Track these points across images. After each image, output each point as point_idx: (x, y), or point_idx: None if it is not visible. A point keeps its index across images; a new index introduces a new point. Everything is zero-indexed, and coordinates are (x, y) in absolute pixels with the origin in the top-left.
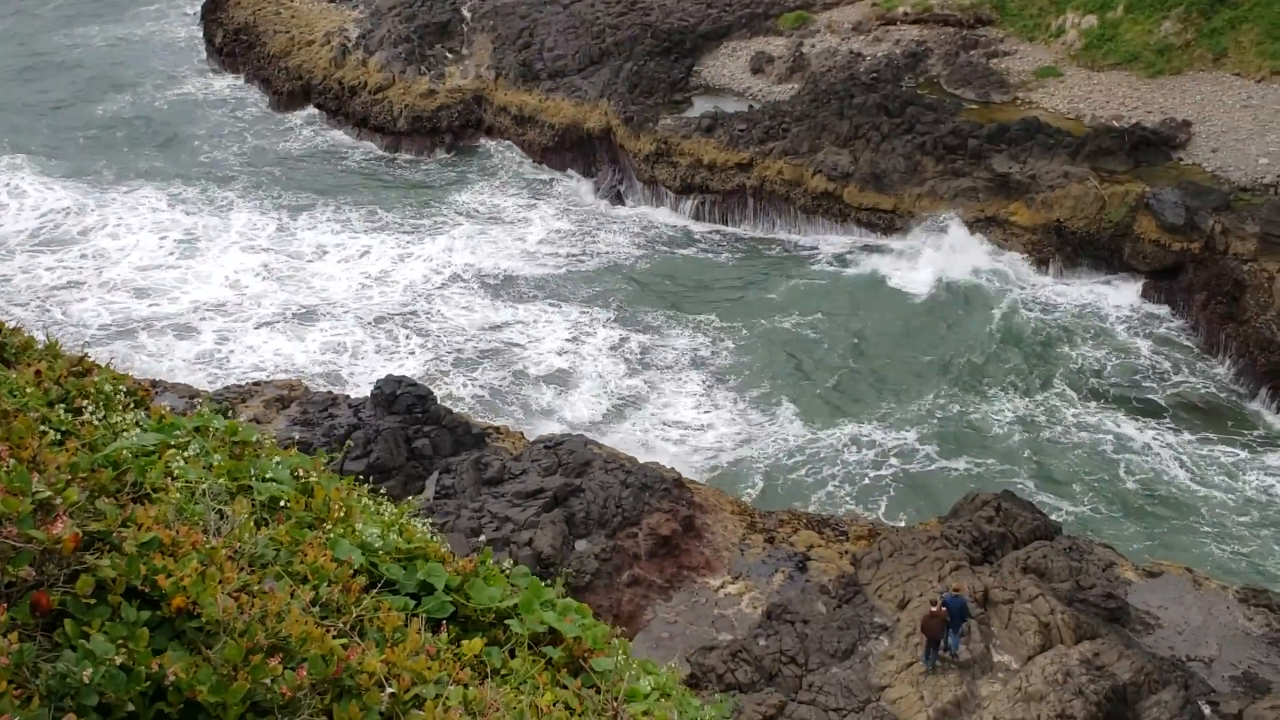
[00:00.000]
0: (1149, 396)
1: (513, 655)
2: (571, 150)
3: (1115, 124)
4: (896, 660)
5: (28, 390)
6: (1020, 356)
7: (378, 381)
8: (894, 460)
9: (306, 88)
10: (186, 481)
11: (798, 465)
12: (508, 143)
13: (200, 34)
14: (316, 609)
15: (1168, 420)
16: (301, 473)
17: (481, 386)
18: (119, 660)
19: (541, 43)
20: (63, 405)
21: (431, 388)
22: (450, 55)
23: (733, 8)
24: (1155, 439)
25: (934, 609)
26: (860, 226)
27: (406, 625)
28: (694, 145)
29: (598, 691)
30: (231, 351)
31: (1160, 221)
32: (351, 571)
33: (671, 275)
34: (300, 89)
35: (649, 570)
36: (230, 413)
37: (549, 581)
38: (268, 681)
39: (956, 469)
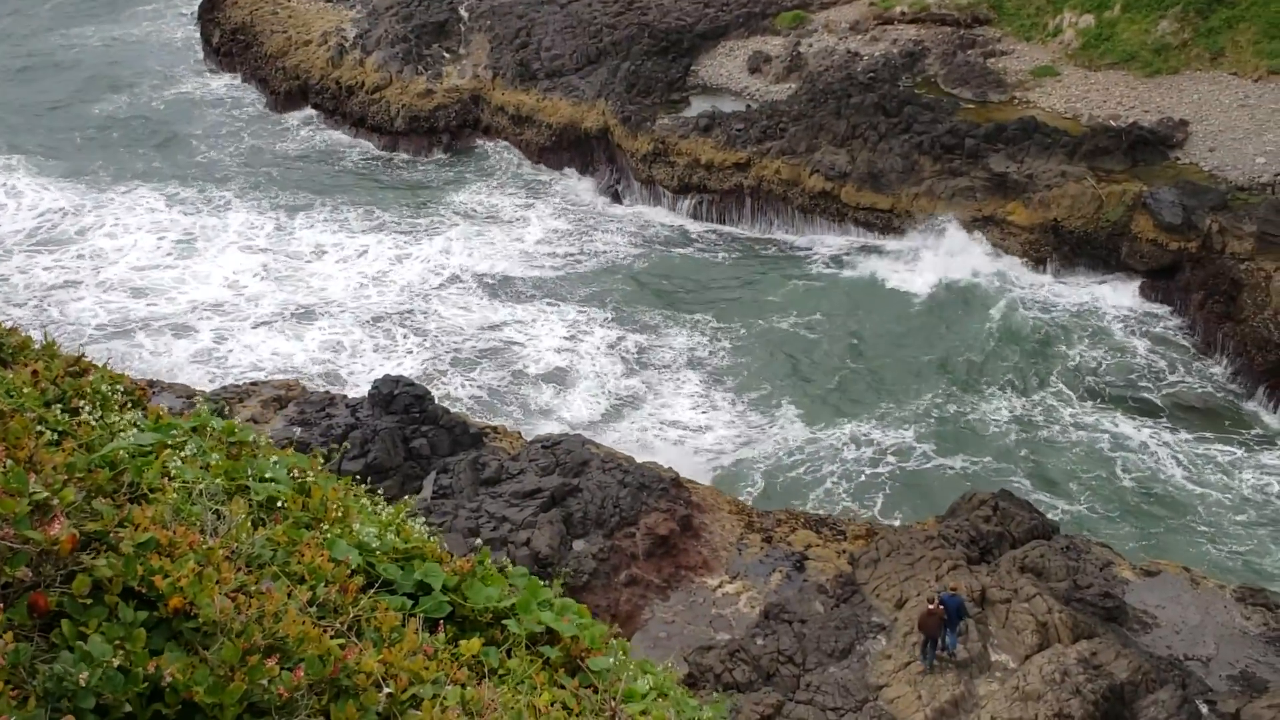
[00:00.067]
0: (1146, 396)
1: (510, 655)
2: (569, 150)
3: (1112, 123)
4: (894, 660)
5: (24, 390)
6: (1018, 356)
7: (375, 381)
8: (891, 458)
9: (304, 87)
10: (184, 482)
11: (795, 464)
12: (505, 143)
13: (197, 34)
14: (314, 609)
15: (1165, 419)
16: (299, 473)
17: (479, 386)
18: (116, 662)
19: (539, 42)
20: (59, 405)
21: (429, 387)
22: (447, 55)
23: (730, 7)
24: (1152, 438)
25: (931, 606)
26: (858, 226)
27: (404, 625)
28: (691, 145)
29: (595, 691)
30: (230, 351)
31: (1157, 221)
32: (349, 571)
33: (669, 275)
34: (297, 89)
35: (647, 570)
36: (227, 412)
37: (547, 582)
38: (265, 682)
39: (954, 467)
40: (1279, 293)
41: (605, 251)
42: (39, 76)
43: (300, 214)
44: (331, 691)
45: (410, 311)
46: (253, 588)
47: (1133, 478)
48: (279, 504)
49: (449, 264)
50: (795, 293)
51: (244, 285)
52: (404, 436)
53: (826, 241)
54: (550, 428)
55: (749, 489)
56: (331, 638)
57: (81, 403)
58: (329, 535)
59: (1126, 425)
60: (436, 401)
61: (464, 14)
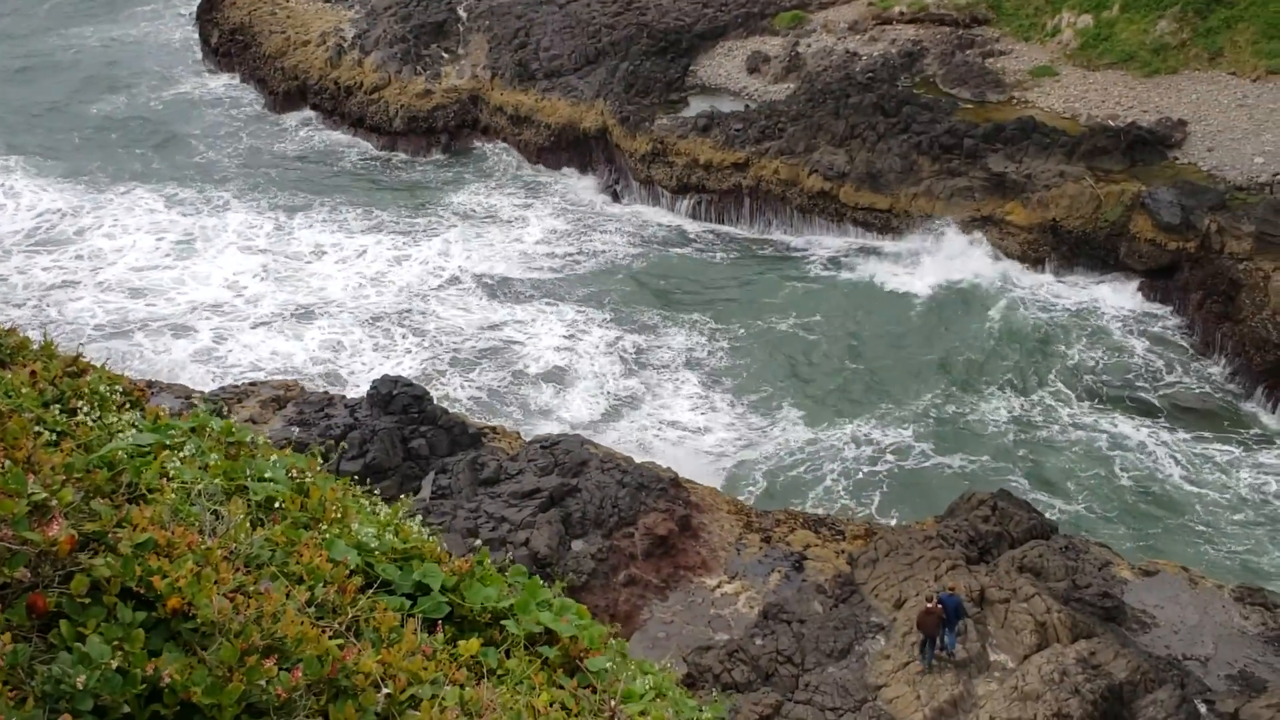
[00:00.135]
0: (1144, 395)
1: (509, 655)
2: (567, 150)
3: (1111, 123)
4: (893, 660)
5: (23, 391)
6: (1016, 355)
7: (374, 381)
8: (890, 457)
9: (302, 88)
10: (182, 482)
11: (794, 464)
12: (504, 143)
13: (196, 34)
14: (312, 609)
15: (1163, 419)
16: (297, 473)
17: (478, 386)
18: (115, 662)
19: (537, 43)
20: (58, 406)
21: (428, 387)
22: (446, 55)
23: (729, 7)
24: (1151, 438)
25: (930, 606)
26: (856, 226)
27: (402, 625)
28: (690, 145)
29: (594, 691)
30: (229, 351)
31: (1156, 221)
32: (347, 572)
33: (668, 275)
34: (296, 89)
35: (645, 570)
36: (226, 413)
37: (547, 582)
38: (263, 682)
39: (952, 467)
40: (1277, 293)
41: (604, 252)
42: (37, 77)
43: (299, 214)
44: (330, 692)
45: (409, 311)
46: (251, 588)
47: (1131, 477)
48: (277, 504)
49: (448, 264)
50: (794, 293)
51: (243, 285)
52: (403, 437)
53: (825, 242)
54: (549, 428)
55: (749, 489)
56: (330, 638)
57: (80, 403)
58: (327, 535)
59: (1125, 425)
60: (435, 402)
61: (462, 14)
